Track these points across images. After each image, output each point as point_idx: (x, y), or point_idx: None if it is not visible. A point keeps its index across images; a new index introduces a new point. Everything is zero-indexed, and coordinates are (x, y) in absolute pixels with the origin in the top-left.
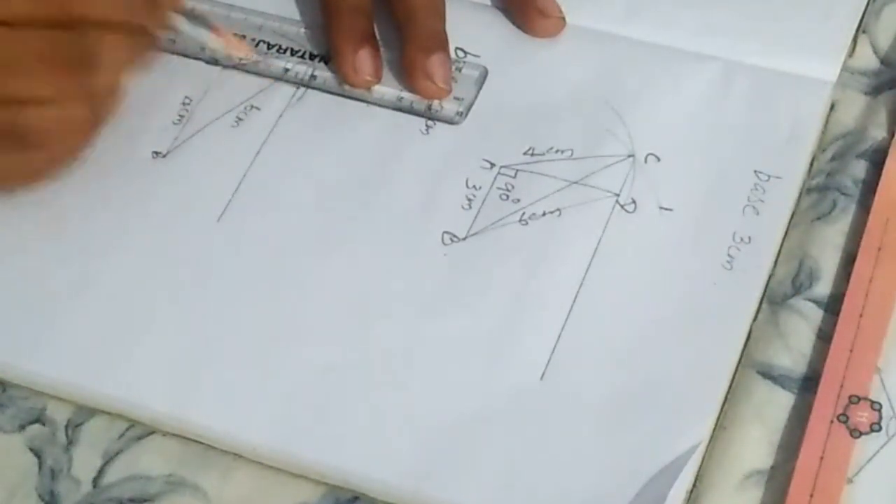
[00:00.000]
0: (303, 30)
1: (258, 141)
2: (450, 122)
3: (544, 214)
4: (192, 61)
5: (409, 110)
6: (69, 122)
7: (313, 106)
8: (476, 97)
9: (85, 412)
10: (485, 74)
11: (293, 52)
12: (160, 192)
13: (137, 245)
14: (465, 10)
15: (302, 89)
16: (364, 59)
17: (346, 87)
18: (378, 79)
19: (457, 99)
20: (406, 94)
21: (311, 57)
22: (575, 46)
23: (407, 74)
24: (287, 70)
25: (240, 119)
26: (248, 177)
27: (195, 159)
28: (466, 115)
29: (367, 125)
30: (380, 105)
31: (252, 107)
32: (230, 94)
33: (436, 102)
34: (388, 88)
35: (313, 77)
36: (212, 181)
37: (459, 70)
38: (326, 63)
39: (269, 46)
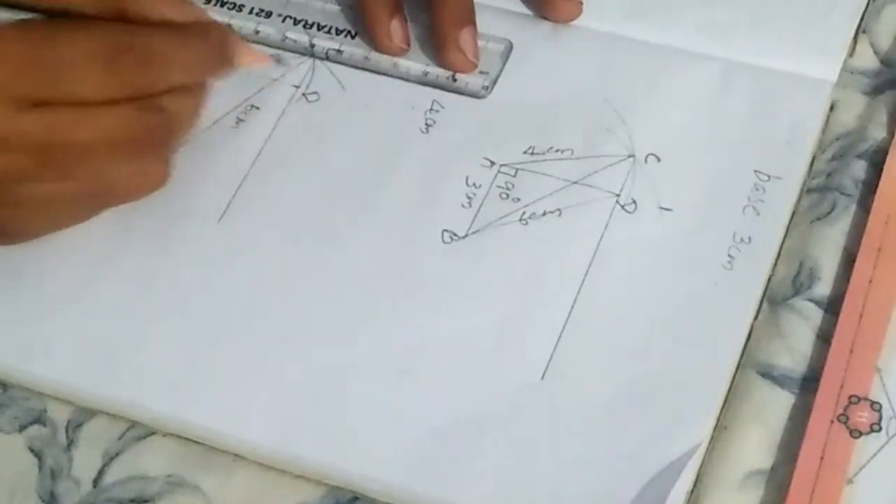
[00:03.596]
0: (328, 5)
1: (259, 141)
2: (476, 95)
3: (544, 214)
4: None
5: (435, 84)
6: (146, 181)
7: (313, 105)
8: (501, 71)
9: (85, 412)
10: (510, 48)
11: (319, 27)
12: (160, 192)
13: (137, 246)
14: (482, 33)
15: (302, 88)
16: (397, 26)
17: (372, 61)
18: (408, 48)
19: (482, 73)
20: (432, 69)
21: (338, 32)
22: (575, 46)
23: (438, 46)
24: (314, 45)
25: (240, 119)
26: (248, 177)
27: (195, 159)
28: (492, 88)
29: (368, 124)
30: (405, 79)
31: (252, 106)
32: (230, 94)
33: (461, 76)
34: (413, 63)
35: (339, 52)
36: (212, 181)
37: (485, 44)
38: (352, 38)
39: (296, 21)
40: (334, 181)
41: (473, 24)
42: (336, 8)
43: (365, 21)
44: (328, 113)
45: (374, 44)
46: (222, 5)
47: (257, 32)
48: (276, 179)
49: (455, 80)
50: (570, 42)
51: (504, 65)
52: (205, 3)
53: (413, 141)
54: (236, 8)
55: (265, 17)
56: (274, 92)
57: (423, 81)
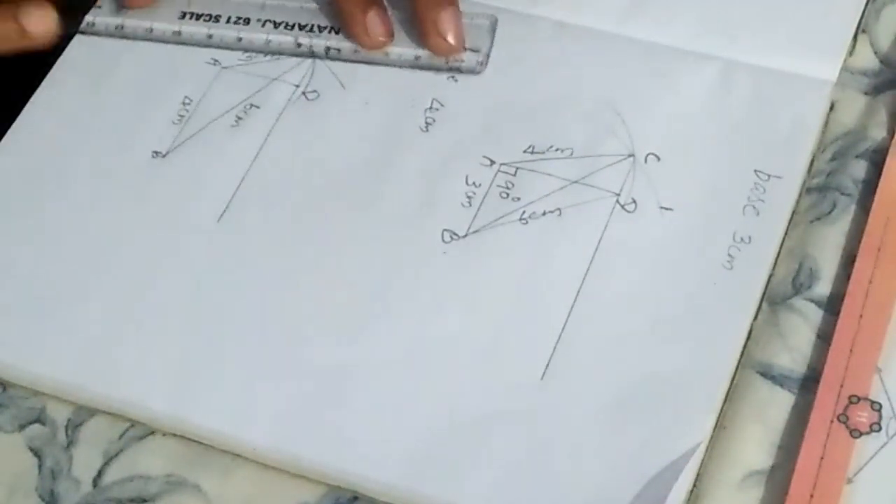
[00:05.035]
0: (306, 4)
1: (258, 140)
2: (472, 72)
3: (544, 214)
4: (192, 61)
5: (429, 67)
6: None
7: (313, 103)
8: (492, 45)
9: (85, 412)
10: (495, 22)
11: (301, 27)
12: (160, 192)
13: (137, 245)
14: (467, 10)
15: (302, 87)
16: (374, 20)
17: (363, 53)
18: (391, 38)
19: (474, 51)
20: (423, 52)
21: (320, 29)
22: (575, 46)
23: (420, 33)
24: (300, 45)
25: (239, 118)
26: (248, 176)
27: (195, 159)
28: (486, 63)
29: (367, 122)
30: (398, 66)
31: (252, 105)
32: (230, 93)
33: (455, 56)
34: (404, 49)
35: (328, 48)
36: (212, 181)
37: (470, 21)
38: (336, 33)
39: (276, 24)
40: (334, 180)
41: (453, 5)
42: (314, 6)
43: (342, 20)
44: (328, 111)
45: (355, 41)
46: (198, 18)
47: (240, 40)
48: (275, 178)
49: (448, 61)
50: (570, 41)
51: (493, 38)
52: (179, 18)
53: (413, 139)
54: (213, 19)
55: (244, 24)
56: (274, 91)
57: (417, 66)
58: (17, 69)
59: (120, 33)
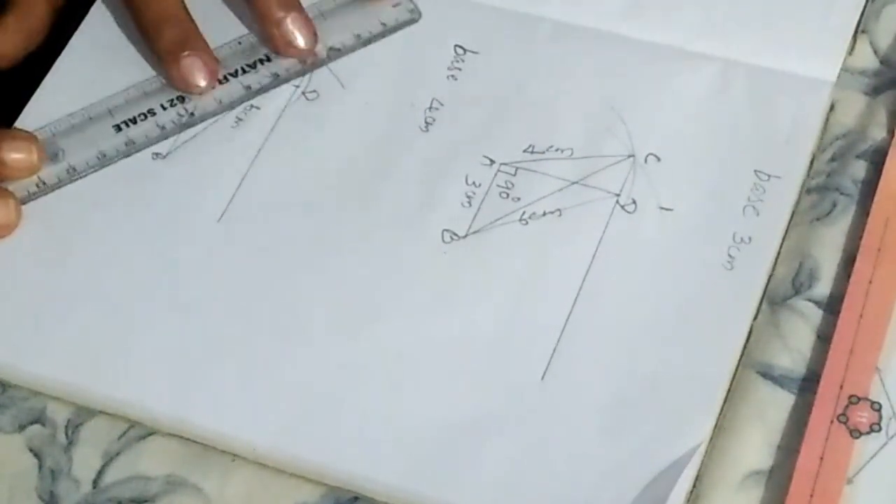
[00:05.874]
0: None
1: (258, 141)
2: (411, 23)
3: (545, 214)
4: None
5: (369, 41)
6: None
7: (313, 104)
8: None
9: (85, 412)
10: None
11: (232, 76)
12: (160, 192)
13: (138, 245)
14: (467, 10)
15: (302, 87)
16: (290, 29)
17: (308, 64)
18: (312, 46)
19: (395, 5)
20: (344, 39)
21: (255, 65)
22: (575, 46)
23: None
24: (249, 87)
25: (240, 119)
26: (248, 177)
27: (195, 159)
28: (418, 11)
29: (367, 122)
30: (345, 54)
31: (252, 106)
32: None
33: (385, 19)
34: (338, 38)
35: (275, 75)
36: (212, 181)
37: None
38: (270, 60)
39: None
40: (334, 180)
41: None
42: (227, 52)
43: (272, 44)
44: (328, 111)
45: (285, 54)
46: (133, 122)
47: (192, 115)
48: (275, 179)
49: (384, 24)
50: (570, 41)
51: None
52: (117, 132)
53: (413, 139)
54: (147, 114)
55: (181, 102)
56: (274, 91)
57: (357, 47)
58: (18, 70)
59: (75, 176)
